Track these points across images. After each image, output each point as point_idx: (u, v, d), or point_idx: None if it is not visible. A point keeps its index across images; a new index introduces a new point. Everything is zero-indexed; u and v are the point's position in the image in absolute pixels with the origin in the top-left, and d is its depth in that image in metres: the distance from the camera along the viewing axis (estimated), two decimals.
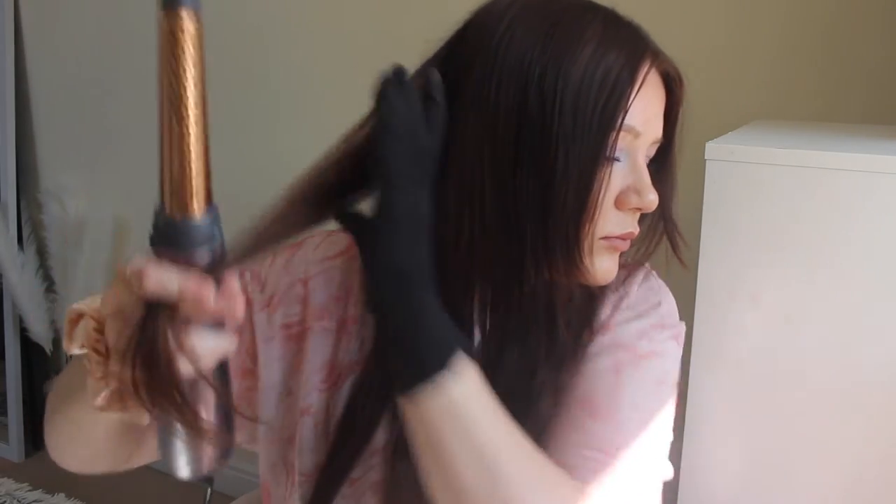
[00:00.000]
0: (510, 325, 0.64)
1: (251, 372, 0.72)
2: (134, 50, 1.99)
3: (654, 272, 0.75)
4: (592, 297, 0.69)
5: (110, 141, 2.10)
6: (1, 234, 2.16)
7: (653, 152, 0.64)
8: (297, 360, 0.70)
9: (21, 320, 2.24)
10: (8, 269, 2.16)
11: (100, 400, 0.51)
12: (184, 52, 0.49)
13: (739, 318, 0.90)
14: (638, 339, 0.67)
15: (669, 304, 0.72)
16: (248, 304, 0.72)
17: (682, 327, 0.72)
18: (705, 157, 0.87)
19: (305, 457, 0.69)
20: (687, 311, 0.91)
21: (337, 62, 1.71)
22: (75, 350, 0.53)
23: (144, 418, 0.52)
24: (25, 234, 2.26)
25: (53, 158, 2.25)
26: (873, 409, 0.85)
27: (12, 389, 2.27)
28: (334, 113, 1.72)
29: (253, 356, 0.72)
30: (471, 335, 0.64)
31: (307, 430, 0.69)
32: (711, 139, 0.89)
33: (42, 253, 2.29)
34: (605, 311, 0.70)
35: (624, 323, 0.68)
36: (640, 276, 0.73)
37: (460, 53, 0.61)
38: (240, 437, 0.73)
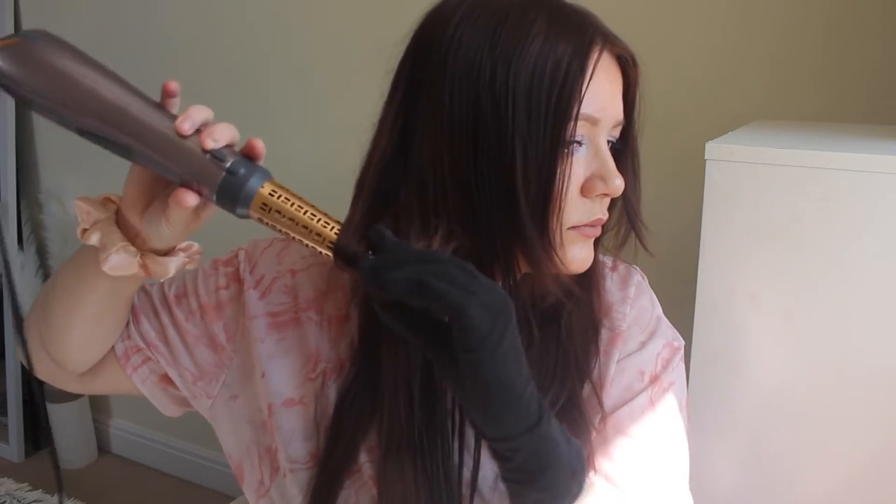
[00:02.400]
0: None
1: (222, 347, 0.73)
2: (133, 50, 1.99)
3: (644, 277, 0.77)
4: (586, 293, 0.70)
5: None
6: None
7: (617, 133, 0.64)
8: (277, 349, 0.71)
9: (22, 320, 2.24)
10: (8, 269, 2.16)
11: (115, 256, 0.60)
12: (282, 209, 0.54)
13: (739, 318, 0.90)
14: (662, 369, 0.72)
15: (660, 310, 0.77)
16: (240, 282, 0.74)
17: (682, 343, 0.76)
18: (705, 157, 0.87)
19: (298, 445, 0.69)
20: (687, 311, 0.91)
21: (336, 62, 1.71)
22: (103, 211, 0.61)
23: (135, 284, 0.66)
24: (25, 234, 2.26)
25: (53, 158, 2.25)
26: (873, 409, 0.85)
27: (12, 389, 2.27)
28: (333, 112, 1.73)
29: (229, 332, 0.73)
30: None
31: (301, 420, 0.70)
32: (711, 139, 0.89)
33: (42, 253, 2.29)
34: (611, 316, 0.72)
35: (639, 348, 0.72)
36: (635, 279, 0.76)
37: (413, 62, 0.61)
38: (196, 405, 0.76)
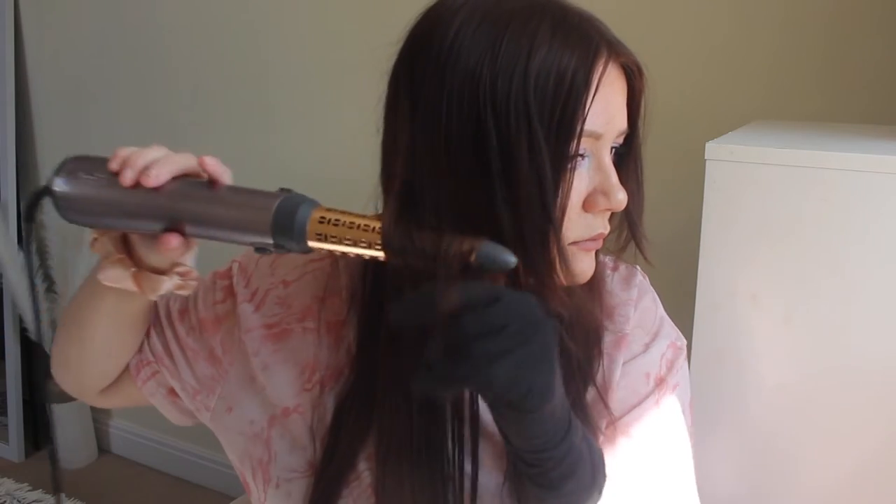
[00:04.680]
0: None
1: (219, 360, 0.73)
2: (134, 50, 1.99)
3: (645, 276, 0.76)
4: (588, 296, 0.69)
5: (110, 141, 2.10)
6: (1, 234, 2.16)
7: (621, 140, 0.62)
8: (273, 360, 0.71)
9: (21, 320, 2.24)
10: (8, 269, 2.16)
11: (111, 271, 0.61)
12: (343, 228, 0.53)
13: (740, 319, 0.90)
14: (667, 371, 0.72)
15: (663, 310, 0.76)
16: (234, 295, 0.74)
17: (685, 342, 0.76)
18: (705, 157, 0.87)
19: (295, 454, 0.69)
20: (687, 312, 0.91)
21: (336, 63, 1.71)
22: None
23: (140, 300, 0.66)
24: (26, 234, 2.26)
25: (53, 158, 2.25)
26: (873, 408, 0.85)
27: (12, 389, 2.27)
28: (333, 114, 1.73)
29: (226, 345, 0.73)
30: None
31: (297, 429, 0.69)
32: (711, 139, 0.89)
33: (42, 253, 2.29)
34: (614, 319, 0.72)
35: (644, 350, 0.72)
36: (636, 279, 0.75)
37: (411, 71, 0.58)
38: (201, 417, 0.76)
